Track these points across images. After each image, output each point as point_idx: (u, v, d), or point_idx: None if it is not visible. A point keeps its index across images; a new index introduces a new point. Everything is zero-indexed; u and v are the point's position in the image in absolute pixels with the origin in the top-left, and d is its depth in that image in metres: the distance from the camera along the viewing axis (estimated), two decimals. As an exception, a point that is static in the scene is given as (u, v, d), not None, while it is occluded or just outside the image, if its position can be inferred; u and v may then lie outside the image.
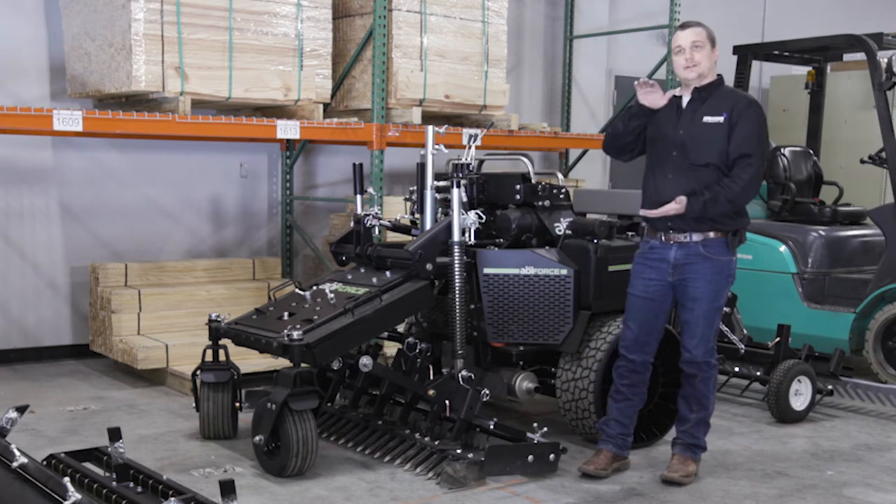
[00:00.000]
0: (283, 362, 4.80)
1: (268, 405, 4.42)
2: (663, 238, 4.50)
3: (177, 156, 7.44)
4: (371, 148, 6.74)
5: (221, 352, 5.12)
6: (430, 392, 4.78)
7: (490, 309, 5.05)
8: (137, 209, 7.32)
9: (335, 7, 6.98)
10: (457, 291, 4.81)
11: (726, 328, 6.24)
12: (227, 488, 2.83)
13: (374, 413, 5.10)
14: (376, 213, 5.46)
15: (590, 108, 9.48)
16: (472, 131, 5.63)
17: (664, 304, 4.56)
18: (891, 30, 7.06)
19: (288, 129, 6.39)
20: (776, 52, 7.78)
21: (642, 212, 4.52)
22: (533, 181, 5.40)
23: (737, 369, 6.12)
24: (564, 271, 5.01)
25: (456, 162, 5.28)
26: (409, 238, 5.52)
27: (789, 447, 5.26)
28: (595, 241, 5.05)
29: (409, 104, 6.92)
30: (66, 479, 2.94)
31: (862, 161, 7.12)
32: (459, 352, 4.81)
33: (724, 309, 6.19)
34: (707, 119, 4.41)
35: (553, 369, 5.20)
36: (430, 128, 5.27)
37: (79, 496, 2.85)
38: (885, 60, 6.71)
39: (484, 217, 5.03)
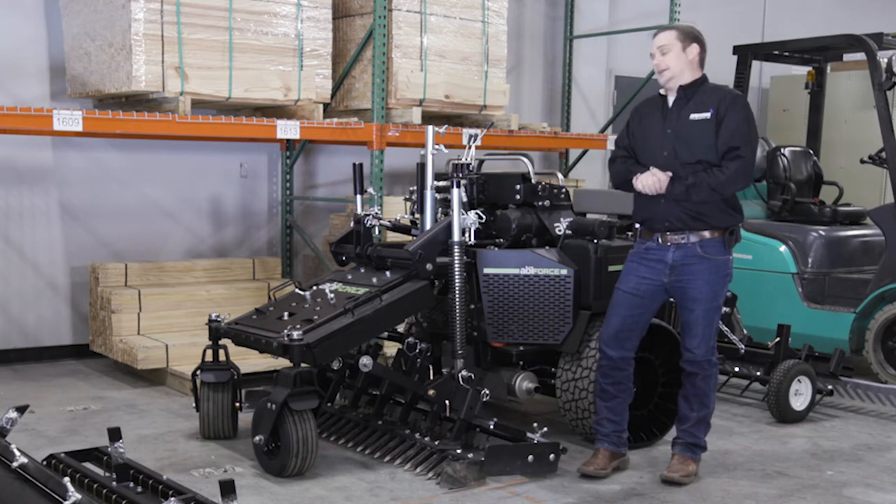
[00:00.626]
0: (283, 362, 4.80)
1: (268, 405, 4.42)
2: (660, 240, 4.50)
3: (177, 156, 7.44)
4: (371, 148, 6.74)
5: (221, 352, 5.12)
6: (430, 392, 4.78)
7: (490, 309, 5.05)
8: (137, 209, 7.32)
9: (335, 7, 6.98)
10: (457, 291, 4.81)
11: (726, 328, 6.24)
12: (227, 488, 2.83)
13: (374, 413, 5.10)
14: (376, 213, 5.45)
15: (590, 108, 9.48)
16: (472, 131, 5.63)
17: (652, 303, 4.57)
18: (891, 30, 7.06)
19: (288, 129, 6.39)
20: (776, 52, 7.78)
21: (636, 182, 4.49)
22: (533, 181, 5.40)
23: (737, 369, 6.12)
24: (564, 271, 5.01)
25: (456, 162, 5.28)
26: (409, 238, 5.52)
27: (789, 447, 5.26)
28: (595, 241, 5.05)
29: (409, 104, 6.92)
30: (66, 479, 2.94)
31: (862, 161, 7.12)
32: (459, 352, 4.81)
33: (724, 309, 6.21)
34: (694, 116, 4.44)
35: (553, 369, 5.20)
36: (430, 128, 5.27)
37: (79, 496, 2.85)
38: (885, 60, 6.71)
39: (484, 217, 5.03)
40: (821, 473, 4.81)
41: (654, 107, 4.60)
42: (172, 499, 2.96)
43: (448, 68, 7.16)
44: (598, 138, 8.38)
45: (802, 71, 8.38)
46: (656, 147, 4.51)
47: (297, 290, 5.16)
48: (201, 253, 7.63)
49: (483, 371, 5.17)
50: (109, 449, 3.51)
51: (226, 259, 7.47)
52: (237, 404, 5.10)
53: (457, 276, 4.81)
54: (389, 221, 5.66)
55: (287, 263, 7.88)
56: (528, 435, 4.63)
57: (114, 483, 3.23)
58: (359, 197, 5.60)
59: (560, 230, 5.28)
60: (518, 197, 5.38)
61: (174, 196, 7.48)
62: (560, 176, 5.69)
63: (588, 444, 5.03)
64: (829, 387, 5.94)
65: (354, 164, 5.67)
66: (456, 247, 4.83)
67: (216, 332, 5.09)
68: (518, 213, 5.36)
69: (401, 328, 5.77)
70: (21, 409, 3.62)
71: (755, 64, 7.84)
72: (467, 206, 5.05)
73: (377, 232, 5.89)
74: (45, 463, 3.50)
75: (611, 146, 8.00)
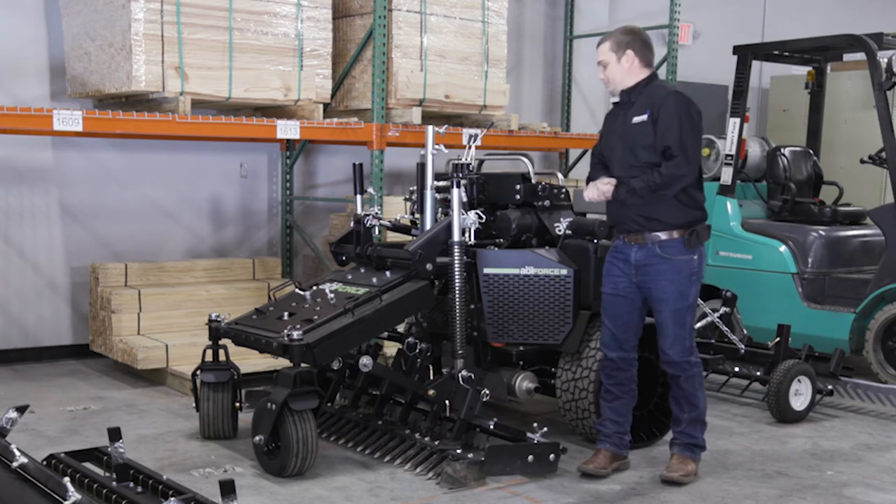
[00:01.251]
0: (283, 362, 4.80)
1: (268, 405, 4.42)
2: (625, 238, 4.56)
3: (177, 156, 7.44)
4: (371, 148, 6.74)
5: (221, 352, 5.12)
6: (430, 392, 4.78)
7: (490, 309, 5.05)
8: (137, 209, 7.32)
9: (335, 7, 6.98)
10: (457, 291, 4.81)
11: (726, 328, 6.24)
12: (227, 488, 2.83)
13: (374, 413, 5.10)
14: (376, 213, 5.45)
15: (590, 108, 9.48)
16: (472, 131, 5.63)
17: (636, 302, 4.57)
18: (891, 30, 7.05)
19: (288, 129, 6.39)
20: (776, 52, 7.77)
21: (585, 196, 4.64)
22: (533, 181, 5.40)
23: (737, 369, 6.12)
24: (564, 271, 5.01)
25: (456, 162, 5.28)
26: (409, 238, 5.52)
27: (789, 447, 5.26)
28: (595, 241, 5.05)
29: (409, 104, 6.92)
30: (66, 479, 2.93)
31: (862, 161, 7.12)
32: (459, 352, 4.81)
33: (724, 309, 6.23)
34: (635, 119, 4.49)
35: (553, 369, 5.20)
36: (430, 128, 5.27)
37: (79, 496, 2.85)
38: (885, 60, 6.71)
39: (484, 217, 5.03)
40: (821, 473, 4.81)
41: (614, 113, 4.72)
42: (172, 499, 2.96)
43: (448, 68, 7.16)
44: (598, 138, 8.37)
45: (802, 71, 8.37)
46: (613, 152, 4.61)
47: (297, 290, 5.16)
48: (201, 253, 7.63)
49: (483, 371, 5.17)
50: (109, 449, 3.51)
51: (226, 259, 7.47)
52: (237, 404, 5.10)
53: (457, 276, 4.81)
54: (389, 221, 5.66)
55: (287, 263, 7.88)
56: (528, 435, 4.62)
57: (114, 483, 3.23)
58: (359, 197, 5.60)
59: (560, 230, 5.28)
60: (518, 197, 5.38)
61: (174, 196, 7.48)
62: (560, 176, 5.69)
63: (588, 444, 5.03)
64: (829, 387, 5.94)
65: (354, 164, 5.67)
66: (456, 247, 4.83)
67: (216, 332, 5.09)
68: (518, 213, 5.35)
69: (401, 328, 5.77)
70: (21, 409, 3.62)
71: (755, 64, 7.83)
72: (467, 206, 5.05)
73: (377, 232, 5.89)
74: (45, 463, 3.50)
75: (611, 146, 7.98)
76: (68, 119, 5.67)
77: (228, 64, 6.30)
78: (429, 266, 4.93)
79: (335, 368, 5.24)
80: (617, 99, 4.65)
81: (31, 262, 6.97)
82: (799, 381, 5.73)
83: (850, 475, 4.79)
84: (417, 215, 5.45)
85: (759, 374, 5.98)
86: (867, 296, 6.70)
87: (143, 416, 5.58)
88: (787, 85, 10.20)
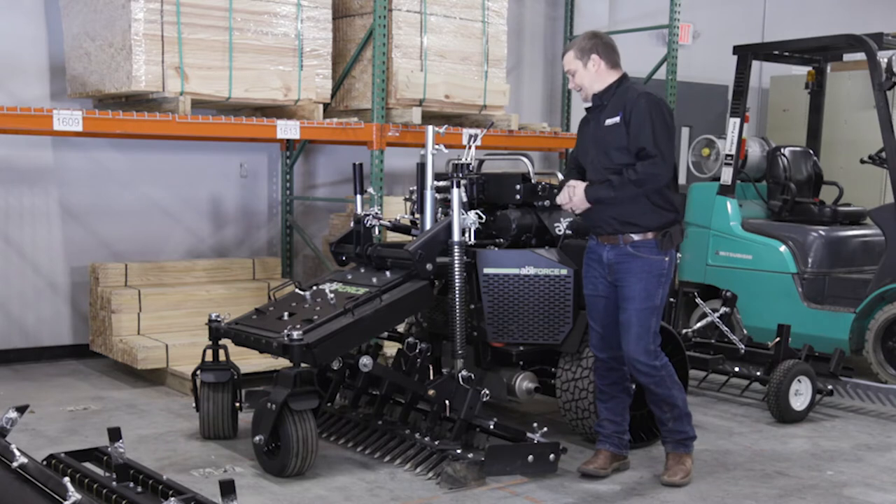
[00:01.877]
0: (283, 362, 4.80)
1: (268, 405, 4.42)
2: (598, 238, 4.58)
3: (177, 156, 7.44)
4: (371, 148, 6.74)
5: (221, 352, 5.12)
6: (430, 392, 4.78)
7: (490, 309, 5.05)
8: (137, 209, 7.32)
9: (335, 7, 6.98)
10: (457, 291, 4.81)
11: (726, 328, 6.24)
12: (227, 488, 2.83)
13: (374, 413, 5.10)
14: (376, 213, 5.45)
15: (590, 108, 9.46)
16: (472, 131, 5.63)
17: (616, 300, 4.56)
18: (891, 30, 7.06)
19: (288, 129, 6.39)
20: (776, 52, 7.78)
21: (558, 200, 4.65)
22: (533, 181, 5.40)
23: (737, 369, 6.12)
24: (564, 271, 5.01)
25: (456, 162, 5.29)
26: (409, 238, 5.52)
27: (789, 447, 5.26)
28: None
29: (409, 104, 6.92)
30: (66, 479, 2.93)
31: (862, 161, 7.13)
32: (459, 352, 4.81)
33: (724, 309, 6.23)
34: (608, 122, 4.49)
35: (553, 369, 5.20)
36: (430, 128, 5.27)
37: (79, 496, 2.85)
38: (885, 60, 6.71)
39: (484, 217, 5.03)
40: (821, 473, 4.81)
41: (585, 121, 4.73)
42: (172, 499, 2.96)
43: (448, 68, 7.16)
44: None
45: (802, 71, 8.38)
46: (588, 155, 4.61)
47: (297, 290, 5.16)
48: (201, 253, 7.63)
49: (483, 371, 5.17)
50: (109, 449, 3.50)
51: (226, 259, 7.47)
52: (237, 404, 5.10)
53: (457, 276, 4.81)
54: (389, 221, 5.66)
55: (287, 263, 7.88)
56: (528, 435, 4.62)
57: (114, 483, 3.23)
58: (359, 197, 5.60)
59: (560, 230, 5.28)
60: (518, 197, 5.37)
61: (174, 196, 7.48)
62: (560, 176, 5.69)
63: (588, 444, 5.03)
64: (829, 387, 5.94)
65: (354, 164, 5.67)
66: (456, 247, 4.83)
67: (216, 332, 5.09)
68: (518, 213, 5.35)
69: (401, 328, 5.77)
70: (21, 409, 3.61)
71: (755, 64, 7.84)
72: (467, 206, 5.05)
73: (377, 232, 5.89)
74: (45, 463, 3.50)
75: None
76: (68, 119, 5.67)
77: (228, 64, 6.30)
78: (429, 266, 4.93)
79: (335, 368, 5.24)
80: (588, 103, 4.65)
81: (31, 262, 6.97)
82: (799, 381, 5.73)
83: (850, 475, 4.79)
84: (417, 215, 5.45)
85: (759, 374, 5.98)
86: (867, 296, 6.70)
87: (143, 416, 5.58)
88: (787, 85, 10.20)
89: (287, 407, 4.37)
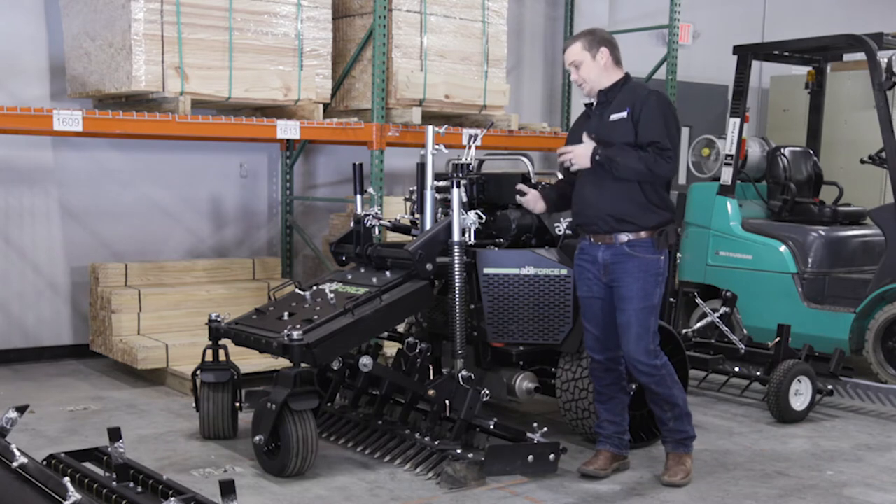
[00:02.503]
0: (283, 362, 4.80)
1: (268, 405, 4.42)
2: (591, 239, 4.54)
3: (177, 156, 7.44)
4: (371, 148, 6.73)
5: (221, 352, 5.12)
6: (430, 392, 4.78)
7: (490, 309, 5.05)
8: (137, 209, 7.32)
9: (335, 7, 6.98)
10: (457, 291, 4.81)
11: (726, 328, 6.24)
12: (227, 488, 2.83)
13: (374, 413, 5.10)
14: (376, 213, 5.45)
15: (590, 108, 9.47)
16: (472, 131, 5.63)
17: (611, 301, 4.54)
18: (891, 30, 7.06)
19: (288, 129, 6.39)
20: (776, 52, 7.78)
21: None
22: (533, 181, 5.39)
23: (737, 369, 6.12)
24: (564, 271, 5.01)
25: (456, 162, 5.28)
26: (409, 238, 5.52)
27: (789, 447, 5.26)
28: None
29: (409, 104, 6.92)
30: (66, 479, 2.93)
31: (862, 161, 7.13)
32: (459, 352, 4.81)
33: (724, 309, 6.23)
34: (613, 117, 4.47)
35: (553, 369, 5.20)
36: (430, 128, 5.27)
37: (79, 496, 2.85)
38: (885, 60, 6.71)
39: (484, 217, 5.03)
40: (821, 473, 4.81)
41: (583, 117, 4.71)
42: (172, 499, 2.96)
43: (448, 68, 7.16)
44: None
45: (802, 71, 8.38)
46: None
47: (297, 290, 5.16)
48: (201, 253, 7.63)
49: (483, 371, 5.17)
50: (109, 449, 3.50)
51: (226, 259, 7.47)
52: (237, 404, 5.10)
53: (457, 276, 4.81)
54: (389, 221, 5.66)
55: (287, 263, 7.88)
56: (528, 435, 4.62)
57: (114, 483, 3.23)
58: (359, 197, 5.60)
59: (560, 230, 5.27)
60: (518, 197, 5.37)
61: (174, 196, 7.48)
62: (560, 176, 5.68)
63: (588, 444, 5.03)
64: (829, 387, 5.94)
65: (354, 164, 5.67)
66: (456, 247, 4.83)
67: (216, 332, 5.09)
68: (518, 213, 5.35)
69: (401, 328, 5.77)
70: (21, 409, 3.61)
71: (755, 64, 7.83)
72: (467, 206, 5.05)
73: (377, 232, 5.89)
74: (45, 463, 3.50)
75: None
76: (68, 119, 5.67)
77: (228, 64, 6.30)
78: (429, 266, 4.93)
79: (335, 368, 5.23)
80: (588, 100, 4.63)
81: (31, 262, 6.97)
82: (799, 381, 5.73)
83: (850, 475, 4.79)
84: (417, 215, 5.45)
85: (759, 374, 5.98)
86: (867, 296, 6.70)
87: (143, 416, 5.58)
88: (787, 85, 10.20)
89: (287, 407, 4.37)
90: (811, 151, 7.88)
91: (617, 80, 4.54)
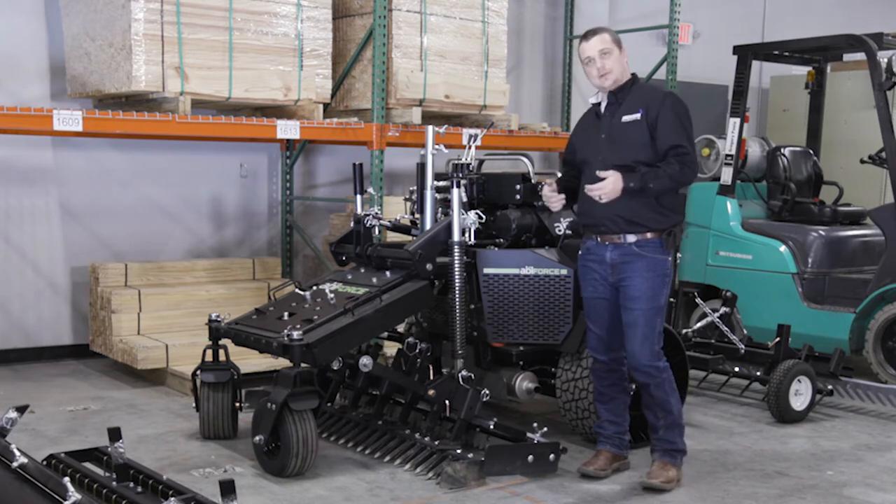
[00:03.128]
0: (283, 362, 4.80)
1: (268, 405, 4.42)
2: (598, 239, 4.51)
3: (177, 156, 7.44)
4: (371, 148, 6.74)
5: (221, 352, 5.12)
6: (430, 392, 4.78)
7: (490, 309, 5.05)
8: (137, 209, 7.32)
9: (335, 7, 6.98)
10: (457, 291, 4.81)
11: (726, 328, 6.24)
12: (227, 488, 2.83)
13: (374, 413, 5.10)
14: (376, 213, 5.45)
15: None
16: (472, 131, 5.63)
17: (617, 302, 4.52)
18: (891, 30, 7.06)
19: (288, 129, 6.39)
20: (776, 52, 7.78)
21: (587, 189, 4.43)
22: (533, 181, 5.40)
23: (737, 369, 6.12)
24: (564, 271, 5.01)
25: (456, 162, 5.28)
26: (409, 238, 5.52)
27: (789, 447, 5.26)
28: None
29: (409, 104, 6.92)
30: (66, 479, 2.93)
31: (862, 161, 7.13)
32: (459, 352, 4.81)
33: (724, 309, 6.23)
34: (625, 118, 4.44)
35: (553, 369, 5.20)
36: (430, 128, 5.27)
37: (79, 496, 2.85)
38: (885, 60, 6.71)
39: (484, 217, 5.03)
40: (821, 473, 4.81)
41: (590, 117, 4.66)
42: (172, 499, 2.96)
43: (448, 68, 7.16)
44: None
45: (802, 71, 8.38)
46: (592, 153, 4.51)
47: (297, 290, 5.16)
48: (201, 253, 7.63)
49: (483, 371, 5.17)
50: (109, 449, 3.51)
51: (226, 259, 7.47)
52: (237, 404, 5.10)
53: (457, 276, 4.81)
54: (389, 221, 5.66)
55: (287, 263, 7.88)
56: (528, 435, 4.62)
57: (114, 483, 3.23)
58: (359, 197, 5.60)
59: (560, 230, 5.28)
60: (518, 197, 5.37)
61: (174, 196, 7.48)
62: (559, 175, 5.68)
63: (588, 444, 5.03)
64: (829, 387, 5.94)
65: (354, 164, 5.67)
66: (456, 247, 4.83)
67: (216, 332, 5.09)
68: (518, 213, 5.35)
69: (401, 328, 5.77)
70: (21, 409, 3.61)
71: (755, 64, 7.84)
72: (467, 206, 5.05)
73: (377, 232, 5.89)
74: (45, 463, 3.50)
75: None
76: (68, 119, 5.67)
77: (228, 64, 6.30)
78: (429, 266, 4.93)
79: (335, 368, 5.23)
80: (596, 100, 4.61)
81: (31, 262, 6.97)
82: (799, 381, 5.73)
83: (850, 475, 4.79)
84: (417, 215, 5.45)
85: (759, 374, 5.98)
86: (867, 296, 6.71)
87: (143, 416, 5.58)
88: (787, 85, 10.20)
89: (287, 407, 4.37)
90: (811, 151, 7.89)
91: (626, 80, 4.52)
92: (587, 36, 4.52)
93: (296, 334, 4.47)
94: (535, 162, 6.24)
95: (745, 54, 7.59)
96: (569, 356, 5.06)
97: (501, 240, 5.36)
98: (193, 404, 5.14)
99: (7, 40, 6.72)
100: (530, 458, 4.53)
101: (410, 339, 5.11)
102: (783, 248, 7.12)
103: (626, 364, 4.57)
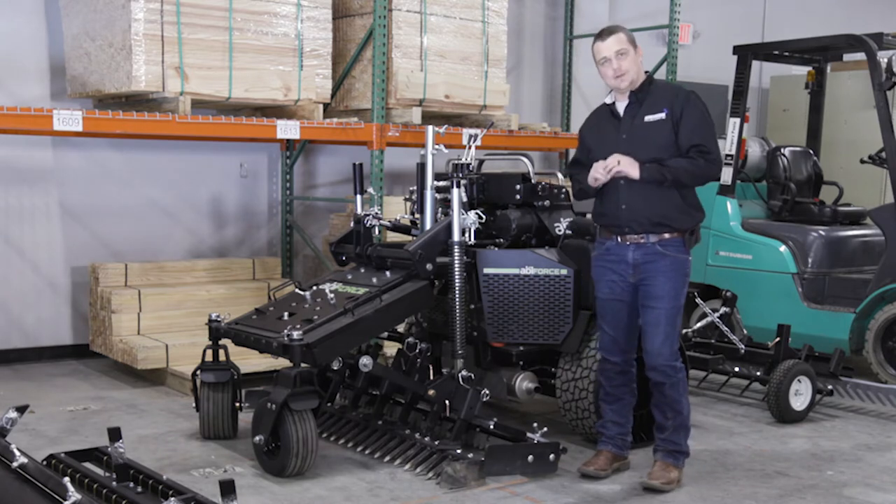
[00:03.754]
0: (283, 362, 4.80)
1: (268, 405, 4.42)
2: (619, 239, 4.46)
3: (177, 156, 7.44)
4: (371, 148, 6.74)
5: (221, 352, 5.12)
6: (430, 392, 4.78)
7: (490, 309, 5.05)
8: (137, 209, 7.32)
9: (335, 7, 6.98)
10: (457, 291, 4.81)
11: (726, 328, 6.24)
12: (227, 488, 2.83)
13: (374, 413, 5.10)
14: (376, 213, 5.45)
15: (590, 107, 9.35)
16: (472, 131, 5.64)
17: (633, 304, 4.50)
18: (891, 30, 7.06)
19: (288, 129, 6.39)
20: (776, 52, 7.78)
21: (594, 171, 4.39)
22: (533, 181, 5.40)
23: (737, 369, 6.12)
24: (564, 271, 5.01)
25: (456, 162, 5.29)
26: (409, 238, 5.52)
27: (789, 447, 5.26)
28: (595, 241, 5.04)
29: (409, 104, 6.92)
30: (66, 479, 2.93)
31: (862, 161, 7.13)
32: (459, 352, 4.81)
33: (724, 309, 6.23)
34: (648, 118, 4.40)
35: (553, 369, 5.20)
36: (430, 128, 5.27)
37: (79, 496, 2.85)
38: (885, 60, 6.71)
39: (484, 217, 5.03)
40: (821, 473, 4.81)
41: (604, 117, 4.60)
42: (172, 499, 2.96)
43: (448, 68, 7.16)
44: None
45: (802, 71, 8.38)
46: (610, 154, 4.42)
47: (297, 290, 5.16)
48: (201, 253, 7.63)
49: (483, 371, 5.17)
50: (109, 449, 3.50)
51: (226, 259, 7.47)
52: (237, 404, 5.10)
53: (457, 276, 4.81)
54: (389, 221, 5.66)
55: (287, 263, 7.88)
56: (528, 435, 4.62)
57: (114, 483, 3.23)
58: (359, 197, 5.60)
59: (560, 230, 5.28)
60: (518, 197, 5.38)
61: (174, 196, 7.48)
62: (560, 176, 5.69)
63: (588, 444, 5.03)
64: (829, 387, 5.94)
65: (354, 164, 5.67)
66: (456, 247, 4.83)
67: (216, 332, 5.09)
68: (518, 213, 5.36)
69: (401, 328, 5.77)
70: (21, 409, 3.61)
71: (755, 64, 7.83)
72: (467, 206, 5.05)
73: (377, 232, 5.89)
74: (45, 463, 3.50)
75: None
76: (68, 119, 5.67)
77: (228, 64, 6.30)
78: (429, 266, 4.93)
79: (335, 368, 5.23)
80: (611, 99, 4.56)
81: (31, 262, 6.97)
82: (799, 381, 5.73)
83: (850, 475, 4.79)
84: (417, 215, 5.45)
85: (759, 374, 5.98)
86: (867, 296, 6.70)
87: (143, 416, 5.58)
88: (787, 85, 10.20)
89: (287, 407, 4.37)
90: (811, 151, 7.88)
91: (642, 80, 4.48)
92: (602, 35, 4.46)
93: (296, 334, 4.47)
94: (535, 162, 6.25)
95: (745, 54, 7.59)
96: (569, 356, 5.06)
97: (501, 240, 5.36)
98: (193, 404, 5.14)
99: (7, 40, 6.72)
100: (530, 458, 4.53)
101: (410, 339, 5.11)
102: (783, 248, 7.11)
103: (646, 363, 4.50)
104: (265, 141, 7.62)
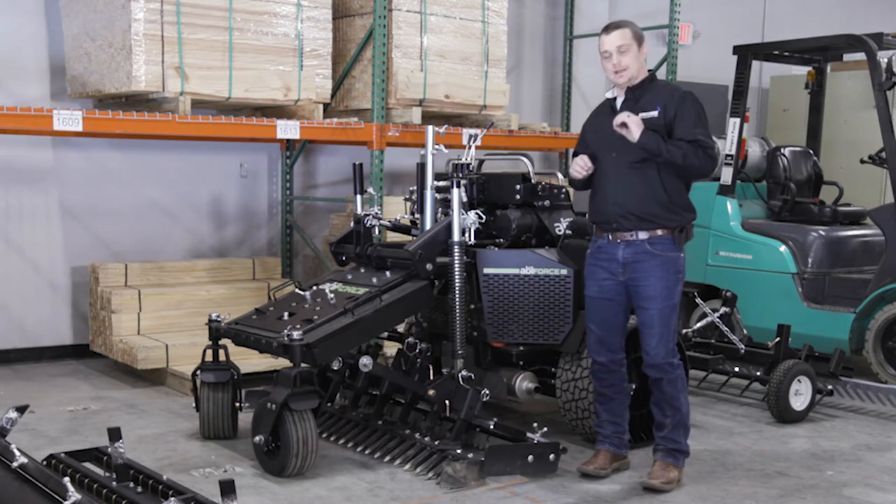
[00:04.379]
0: (283, 362, 4.80)
1: (268, 405, 4.42)
2: (610, 237, 4.48)
3: (177, 156, 7.44)
4: (371, 148, 6.74)
5: (221, 352, 5.12)
6: (430, 392, 4.78)
7: (490, 309, 5.05)
8: (137, 209, 7.32)
9: (335, 7, 6.98)
10: (457, 291, 4.81)
11: (726, 328, 6.24)
12: (227, 488, 2.83)
13: (374, 413, 5.10)
14: (376, 213, 5.45)
15: (590, 107, 9.35)
16: (472, 131, 5.63)
17: (622, 303, 4.51)
18: (891, 30, 7.06)
19: (288, 129, 6.39)
20: (776, 52, 7.78)
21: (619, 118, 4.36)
22: (533, 181, 5.40)
23: (737, 369, 6.12)
24: (564, 271, 5.01)
25: (456, 162, 5.29)
26: (409, 238, 5.52)
27: (789, 447, 5.26)
28: (595, 240, 5.05)
29: (409, 104, 6.92)
30: (66, 479, 2.93)
31: (862, 161, 7.13)
32: (459, 352, 4.81)
33: (724, 309, 6.23)
34: (642, 115, 4.39)
35: (553, 369, 5.20)
36: (430, 128, 5.27)
37: (79, 496, 2.85)
38: (885, 60, 6.71)
39: (484, 217, 5.03)
40: (821, 473, 4.81)
41: (604, 111, 4.62)
42: (172, 499, 2.96)
43: (448, 68, 7.16)
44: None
45: (802, 71, 8.38)
46: (606, 149, 4.47)
47: (297, 290, 5.16)
48: (201, 253, 7.63)
49: (483, 371, 5.17)
50: (109, 449, 3.50)
51: (226, 259, 7.47)
52: (237, 404, 5.10)
53: (457, 276, 4.81)
54: (389, 221, 5.66)
55: (287, 263, 7.88)
56: (528, 435, 4.62)
57: (114, 483, 3.23)
58: (359, 197, 5.60)
59: (560, 230, 5.28)
60: (518, 197, 5.38)
61: (174, 196, 7.48)
62: (560, 176, 5.70)
63: (588, 444, 5.03)
64: (829, 387, 5.94)
65: (354, 164, 5.67)
66: (456, 247, 4.83)
67: (216, 332, 5.09)
68: (518, 213, 5.36)
69: (401, 328, 5.77)
70: (21, 409, 3.61)
71: (755, 64, 7.84)
72: (467, 206, 5.05)
73: (377, 232, 5.89)
74: (45, 463, 3.50)
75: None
76: (68, 119, 5.67)
77: (228, 64, 6.30)
78: (429, 266, 4.93)
79: (335, 368, 5.23)
80: (612, 94, 4.57)
81: (31, 262, 6.97)
82: (799, 381, 5.73)
83: (850, 475, 4.79)
84: (417, 215, 5.45)
85: (759, 374, 5.98)
86: (867, 296, 6.70)
87: (143, 416, 5.58)
88: (787, 85, 10.20)
89: (287, 407, 4.37)
90: (811, 151, 7.88)
91: (644, 78, 4.50)
92: (608, 29, 4.48)
93: (296, 334, 4.47)
94: (535, 162, 6.25)
95: (745, 54, 7.59)
96: (569, 356, 5.06)
97: (501, 240, 5.36)
98: (193, 404, 5.14)
99: (7, 40, 6.72)
100: (530, 458, 4.53)
101: (410, 339, 5.11)
102: (783, 248, 7.12)
103: (643, 361, 4.51)
104: (265, 141, 7.62)
